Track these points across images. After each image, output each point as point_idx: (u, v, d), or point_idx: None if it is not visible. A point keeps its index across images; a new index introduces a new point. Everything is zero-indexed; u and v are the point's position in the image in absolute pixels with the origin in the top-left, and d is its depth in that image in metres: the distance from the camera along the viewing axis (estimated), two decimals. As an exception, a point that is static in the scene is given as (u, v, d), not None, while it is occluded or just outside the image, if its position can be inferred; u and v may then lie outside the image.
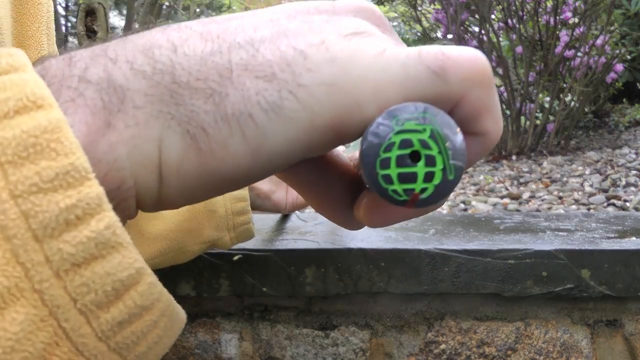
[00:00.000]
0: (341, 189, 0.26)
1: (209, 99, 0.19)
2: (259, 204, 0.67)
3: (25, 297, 0.16)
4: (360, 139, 0.21)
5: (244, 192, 0.61)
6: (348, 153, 0.27)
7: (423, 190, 0.19)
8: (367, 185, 0.20)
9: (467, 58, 0.20)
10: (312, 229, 0.83)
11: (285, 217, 0.91)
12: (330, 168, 0.26)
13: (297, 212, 0.93)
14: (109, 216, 0.17)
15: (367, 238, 0.76)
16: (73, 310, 0.17)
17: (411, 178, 0.19)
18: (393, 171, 0.19)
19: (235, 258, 0.73)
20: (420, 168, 0.19)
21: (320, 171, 0.26)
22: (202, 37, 0.20)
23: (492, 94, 0.21)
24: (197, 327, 0.78)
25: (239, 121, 0.19)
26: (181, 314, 0.21)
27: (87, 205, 0.17)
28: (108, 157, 0.18)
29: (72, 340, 0.17)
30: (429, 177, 0.19)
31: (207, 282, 0.74)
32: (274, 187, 0.67)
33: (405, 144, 0.19)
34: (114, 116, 0.18)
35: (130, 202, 0.19)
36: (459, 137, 0.19)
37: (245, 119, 0.19)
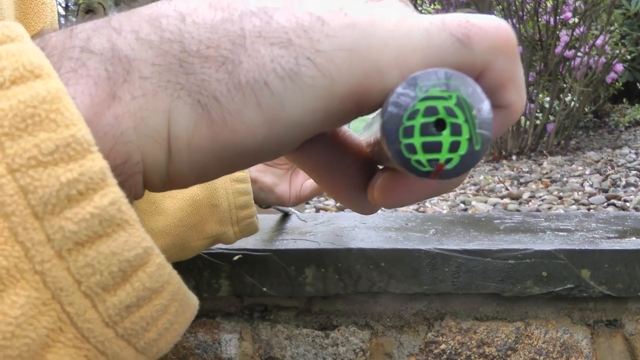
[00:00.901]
0: (354, 171, 0.25)
1: (221, 67, 0.18)
2: (263, 197, 0.66)
3: (25, 279, 0.15)
4: (376, 114, 0.20)
5: (246, 185, 0.60)
6: (361, 136, 0.26)
7: (448, 160, 0.18)
8: (389, 156, 0.19)
9: (492, 26, 0.19)
10: (312, 229, 0.83)
11: (285, 217, 0.91)
12: (342, 150, 0.25)
13: (297, 212, 0.93)
14: (114, 192, 0.16)
15: (367, 238, 0.76)
16: (77, 293, 0.16)
17: (436, 147, 0.18)
18: (417, 140, 0.18)
19: (235, 258, 0.73)
20: (446, 137, 0.18)
21: (333, 153, 0.25)
22: (212, 6, 0.19)
23: (517, 64, 0.20)
24: (197, 327, 0.78)
25: (254, 89, 0.18)
26: (193, 299, 0.20)
27: (90, 179, 0.16)
28: (113, 130, 0.17)
29: (77, 325, 0.16)
30: (454, 146, 0.18)
31: (207, 282, 0.74)
32: (277, 180, 0.66)
33: (430, 111, 0.18)
34: (119, 87, 0.17)
35: (138, 179, 0.18)
36: (486, 105, 0.18)
37: (261, 86, 0.18)
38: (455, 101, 0.18)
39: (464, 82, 0.18)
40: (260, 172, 0.64)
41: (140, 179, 0.18)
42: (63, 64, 0.17)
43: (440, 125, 0.18)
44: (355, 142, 0.25)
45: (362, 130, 0.27)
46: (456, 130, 0.18)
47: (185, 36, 0.18)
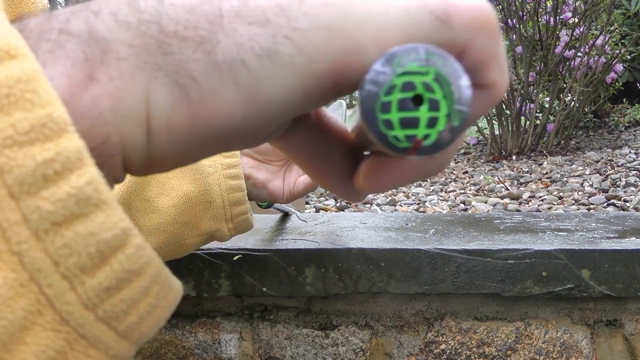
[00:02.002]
0: (339, 157, 0.25)
1: (199, 47, 0.18)
2: (256, 194, 0.66)
3: (2, 260, 0.15)
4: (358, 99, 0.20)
5: (240, 182, 0.61)
6: (348, 123, 0.26)
7: (426, 136, 0.18)
8: (368, 133, 0.19)
9: (471, 4, 0.19)
10: (312, 229, 0.83)
11: (285, 217, 0.91)
12: (327, 136, 0.25)
13: (297, 212, 0.93)
14: (91, 171, 0.16)
15: (367, 238, 0.76)
16: (56, 274, 0.15)
17: (413, 123, 0.18)
18: (394, 115, 0.18)
19: (235, 258, 0.73)
20: (423, 113, 0.18)
21: (318, 139, 0.25)
22: None
23: (498, 42, 0.20)
24: (197, 327, 0.78)
25: (231, 68, 0.18)
26: (175, 283, 0.20)
27: (66, 159, 0.15)
28: (91, 111, 0.17)
29: (56, 308, 0.16)
30: (432, 122, 0.18)
31: (207, 282, 0.74)
32: (270, 176, 0.66)
33: (407, 86, 0.18)
34: (96, 69, 0.17)
35: (117, 161, 0.18)
36: (465, 81, 0.18)
37: (238, 65, 0.18)
38: (433, 77, 0.18)
39: (443, 58, 0.18)
40: (254, 169, 0.64)
41: (120, 161, 0.18)
42: (40, 46, 0.17)
43: (418, 101, 0.18)
44: (340, 129, 0.25)
45: (350, 117, 0.27)
46: (434, 106, 0.18)
47: (163, 17, 0.18)
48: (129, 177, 0.58)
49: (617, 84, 3.95)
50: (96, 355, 0.17)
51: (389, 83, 0.18)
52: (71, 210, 0.16)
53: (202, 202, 0.59)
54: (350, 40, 0.18)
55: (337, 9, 0.18)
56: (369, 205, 2.30)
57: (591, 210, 2.04)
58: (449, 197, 2.40)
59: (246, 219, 0.63)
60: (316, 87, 0.19)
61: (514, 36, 3.56)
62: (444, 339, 0.74)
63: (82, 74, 0.17)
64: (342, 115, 0.74)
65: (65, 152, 0.16)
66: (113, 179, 0.19)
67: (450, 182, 2.79)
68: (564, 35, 3.46)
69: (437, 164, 0.22)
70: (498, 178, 2.74)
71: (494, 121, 3.66)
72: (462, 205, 2.26)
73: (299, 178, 0.67)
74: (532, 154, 3.43)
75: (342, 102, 0.78)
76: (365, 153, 0.25)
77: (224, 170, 0.60)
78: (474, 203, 2.25)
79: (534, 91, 3.56)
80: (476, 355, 0.73)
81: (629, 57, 3.94)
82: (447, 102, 0.18)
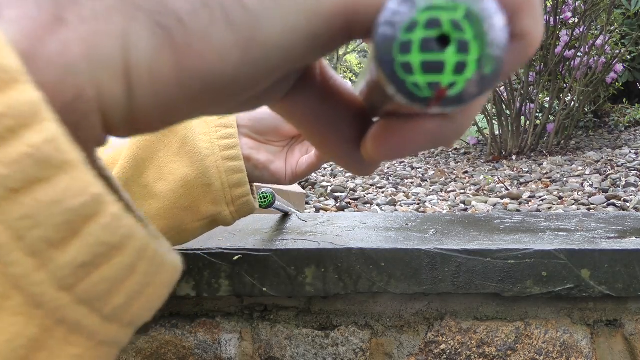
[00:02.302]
0: (348, 124, 0.22)
1: None
2: (257, 176, 0.63)
3: None
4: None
5: (239, 163, 0.59)
6: (356, 86, 0.24)
7: (451, 85, 0.16)
8: (382, 80, 0.16)
9: None
10: (312, 229, 0.83)
11: (285, 217, 0.91)
12: (333, 99, 0.22)
13: (297, 212, 0.93)
14: (50, 128, 0.13)
15: (367, 238, 0.76)
16: (18, 251, 0.13)
17: (437, 68, 0.16)
18: (415, 57, 0.16)
19: (235, 258, 0.73)
20: (450, 55, 0.16)
21: (323, 102, 0.22)
22: None
23: None
24: (197, 327, 0.78)
25: (224, 5, 0.15)
26: (171, 258, 0.17)
27: (19, 113, 0.13)
28: (60, 59, 0.14)
29: (24, 289, 0.14)
30: (459, 68, 0.16)
31: (207, 282, 0.74)
32: (271, 157, 0.63)
33: (432, 23, 0.15)
34: (65, 9, 0.15)
35: (94, 121, 0.15)
36: (500, 20, 0.16)
37: (231, 2, 0.15)
38: (463, 13, 0.15)
39: None
40: (254, 150, 0.62)
41: (98, 120, 0.16)
42: None
43: (443, 41, 0.16)
44: (347, 92, 0.23)
45: (359, 78, 0.24)
46: (463, 48, 0.16)
47: None
48: (124, 163, 0.57)
49: (617, 84, 3.95)
50: (80, 342, 0.15)
51: (410, 19, 0.15)
52: (29, 174, 0.13)
53: (201, 185, 0.58)
54: None
55: None
56: (369, 205, 2.30)
57: (591, 210, 2.04)
58: (449, 197, 2.40)
59: (248, 202, 0.60)
60: (323, 29, 0.16)
61: (514, 36, 3.55)
62: (444, 339, 0.74)
63: (48, 15, 0.14)
64: None
65: (18, 105, 0.13)
66: (93, 142, 0.16)
67: (450, 182, 2.79)
68: (564, 35, 3.46)
69: (456, 127, 0.19)
70: (498, 178, 2.74)
71: (494, 121, 3.66)
72: (462, 205, 2.26)
73: (301, 158, 0.64)
74: (532, 154, 3.43)
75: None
76: (375, 120, 0.22)
77: (222, 151, 0.58)
78: (474, 203, 2.25)
79: (534, 91, 3.56)
80: (476, 355, 0.73)
81: (629, 57, 3.94)
82: (478, 44, 0.16)
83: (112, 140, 0.60)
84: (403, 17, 0.15)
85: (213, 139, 0.58)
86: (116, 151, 0.59)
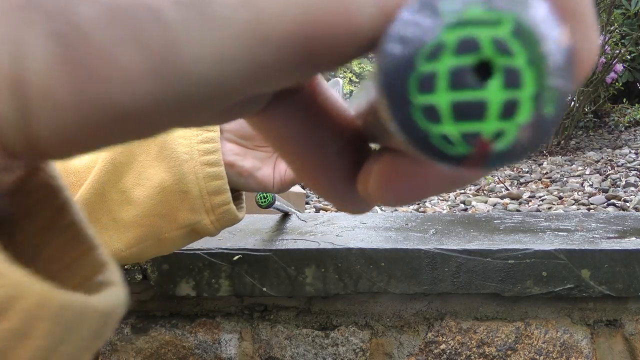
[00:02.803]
0: (339, 151, 0.17)
1: None
2: (243, 183, 0.59)
3: None
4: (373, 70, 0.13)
5: (219, 169, 0.55)
6: (352, 102, 0.19)
7: (498, 135, 0.11)
8: (392, 126, 0.12)
9: None
10: (312, 229, 0.83)
11: (285, 217, 0.91)
12: (322, 118, 0.17)
13: (297, 212, 0.93)
14: None
15: (367, 238, 0.76)
16: None
17: (476, 111, 0.11)
18: (442, 98, 0.11)
19: (235, 258, 0.73)
20: (494, 92, 0.11)
21: (309, 122, 0.17)
22: None
23: None
24: (197, 327, 0.78)
25: (137, 18, 0.12)
26: (99, 302, 0.14)
27: None
28: None
29: None
30: (509, 110, 0.11)
31: (207, 282, 0.74)
32: (258, 164, 0.59)
33: (466, 46, 0.11)
34: None
35: None
36: (561, 35, 0.11)
37: (146, 13, 0.11)
38: (511, 28, 0.11)
39: None
40: (239, 156, 0.58)
41: None
42: None
43: (484, 72, 0.11)
44: (341, 111, 0.18)
45: (356, 94, 0.19)
46: (513, 81, 0.11)
47: None
48: (101, 166, 0.55)
49: (617, 84, 3.95)
50: None
51: (433, 41, 0.11)
52: None
53: (177, 192, 0.54)
54: None
55: None
56: (369, 205, 2.30)
57: (591, 210, 2.04)
58: (449, 197, 2.40)
59: (228, 210, 0.56)
60: (272, 59, 0.12)
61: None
62: (444, 339, 0.74)
63: None
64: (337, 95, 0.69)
65: None
66: None
67: (450, 182, 2.79)
68: (564, 35, 3.47)
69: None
70: (498, 178, 2.74)
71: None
72: (462, 205, 2.26)
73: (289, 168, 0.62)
74: (532, 154, 3.43)
75: (338, 80, 0.72)
76: (375, 147, 0.18)
77: (201, 156, 0.54)
78: (474, 203, 2.25)
79: (534, 91, 3.56)
80: (476, 355, 0.73)
81: (629, 57, 3.94)
82: (534, 72, 0.11)
83: None
84: (422, 33, 0.11)
85: (193, 143, 0.55)
86: (97, 155, 0.57)
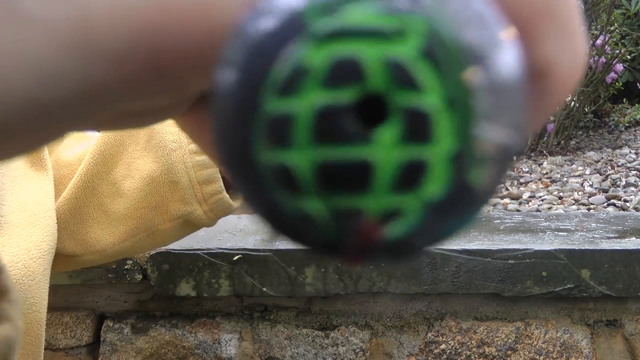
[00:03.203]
0: None
1: None
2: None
3: None
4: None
5: (208, 157, 0.53)
6: None
7: (391, 215, 0.07)
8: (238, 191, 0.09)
9: None
10: (312, 229, 0.83)
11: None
12: None
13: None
14: None
15: (367, 238, 0.76)
16: None
17: (356, 177, 0.07)
18: (302, 156, 0.07)
19: (235, 258, 0.73)
20: (386, 149, 0.07)
21: None
22: None
23: None
24: (197, 327, 0.78)
25: None
26: None
27: None
28: None
29: None
30: (410, 177, 0.07)
31: (207, 282, 0.74)
32: None
33: (342, 72, 0.07)
34: None
35: None
36: (509, 50, 0.07)
37: None
38: (419, 43, 0.07)
39: None
40: None
41: None
42: None
43: (371, 114, 0.07)
44: None
45: None
46: (418, 130, 0.07)
47: None
48: (89, 158, 0.53)
49: (617, 84, 3.95)
50: None
51: (288, 63, 0.07)
52: None
53: (167, 182, 0.53)
54: None
55: None
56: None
57: (591, 210, 2.04)
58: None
59: (221, 199, 0.53)
60: (110, 75, 0.09)
61: (514, 36, 3.56)
62: (444, 339, 0.74)
63: None
64: None
65: None
66: None
67: (450, 182, 2.79)
68: (564, 35, 3.47)
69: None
70: (498, 178, 2.74)
71: (494, 121, 3.66)
72: (462, 205, 2.26)
73: None
74: (532, 154, 3.43)
75: None
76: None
77: (189, 144, 0.52)
78: (474, 203, 2.25)
79: (534, 91, 3.56)
80: (476, 355, 0.73)
81: (629, 57, 3.94)
82: (456, 116, 0.07)
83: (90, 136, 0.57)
84: (271, 57, 0.07)
85: (180, 131, 0.55)
86: (88, 146, 0.55)
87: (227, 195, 0.54)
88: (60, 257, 0.49)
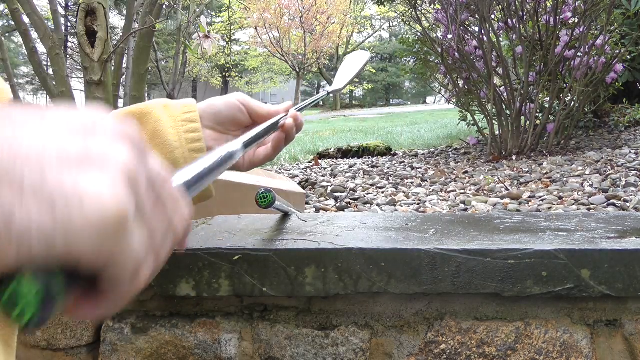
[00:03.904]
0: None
1: None
2: None
3: None
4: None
5: (195, 124, 0.62)
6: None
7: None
8: None
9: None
10: (312, 229, 0.83)
11: (285, 217, 0.91)
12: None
13: (297, 212, 0.93)
14: None
15: (367, 238, 0.76)
16: None
17: None
18: None
19: (235, 258, 0.73)
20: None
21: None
22: None
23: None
24: (197, 327, 0.78)
25: None
26: None
27: None
28: None
29: None
30: None
31: (207, 282, 0.74)
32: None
33: None
34: None
35: None
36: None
37: None
38: None
39: None
40: (216, 141, 0.66)
41: None
42: None
43: None
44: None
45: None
46: None
47: None
48: None
49: (617, 84, 3.95)
50: None
51: None
52: None
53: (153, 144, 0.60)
54: None
55: None
56: (369, 205, 2.30)
57: (591, 210, 2.04)
58: (449, 197, 2.40)
59: (208, 188, 0.64)
60: None
61: (514, 36, 3.56)
62: (444, 339, 0.73)
63: None
64: (360, 66, 0.77)
65: None
66: None
67: (450, 182, 2.79)
68: (564, 35, 3.46)
69: None
70: (498, 178, 2.74)
71: (494, 121, 3.66)
72: (462, 205, 2.26)
73: (258, 149, 0.68)
74: (532, 154, 3.43)
75: (367, 54, 0.81)
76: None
77: (188, 144, 0.61)
78: (474, 203, 2.25)
79: (534, 91, 3.56)
80: (476, 355, 0.73)
81: (629, 57, 3.94)
82: None
83: None
84: None
85: (180, 132, 0.61)
86: None
87: (212, 186, 0.65)
88: None
